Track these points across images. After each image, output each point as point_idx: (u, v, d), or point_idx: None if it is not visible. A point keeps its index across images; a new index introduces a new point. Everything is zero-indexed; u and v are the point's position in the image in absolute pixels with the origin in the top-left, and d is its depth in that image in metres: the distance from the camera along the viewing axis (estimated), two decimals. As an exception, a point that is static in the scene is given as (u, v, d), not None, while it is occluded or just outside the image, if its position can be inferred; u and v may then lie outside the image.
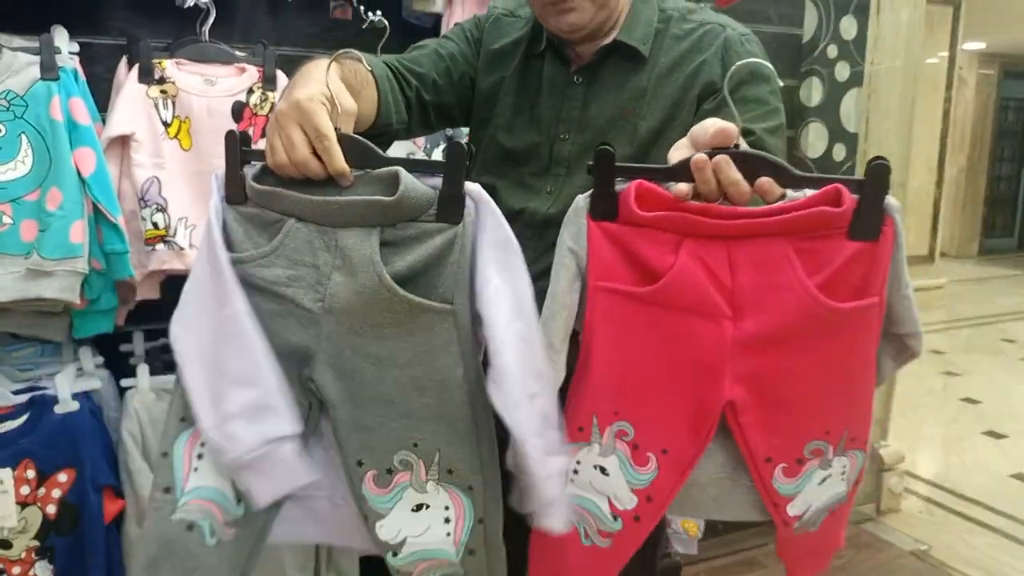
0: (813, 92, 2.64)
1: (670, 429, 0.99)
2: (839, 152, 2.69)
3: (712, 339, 0.94)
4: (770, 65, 1.10)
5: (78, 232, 1.50)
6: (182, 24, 1.69)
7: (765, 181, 0.87)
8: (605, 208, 0.96)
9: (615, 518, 1.05)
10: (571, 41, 1.29)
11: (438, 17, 1.93)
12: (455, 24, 1.47)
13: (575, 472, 1.05)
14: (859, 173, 2.62)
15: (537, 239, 1.26)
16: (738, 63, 1.04)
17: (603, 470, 1.03)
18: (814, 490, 1.00)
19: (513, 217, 1.13)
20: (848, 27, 2.61)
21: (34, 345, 1.72)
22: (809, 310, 0.89)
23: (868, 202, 0.86)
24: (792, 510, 1.01)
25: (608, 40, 1.27)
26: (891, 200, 0.88)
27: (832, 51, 2.61)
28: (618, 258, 0.96)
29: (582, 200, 0.98)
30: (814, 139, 2.66)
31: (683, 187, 0.90)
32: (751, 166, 0.88)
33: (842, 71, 2.63)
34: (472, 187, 0.92)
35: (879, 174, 0.86)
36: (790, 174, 0.89)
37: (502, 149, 1.35)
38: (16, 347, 1.70)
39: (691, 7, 1.32)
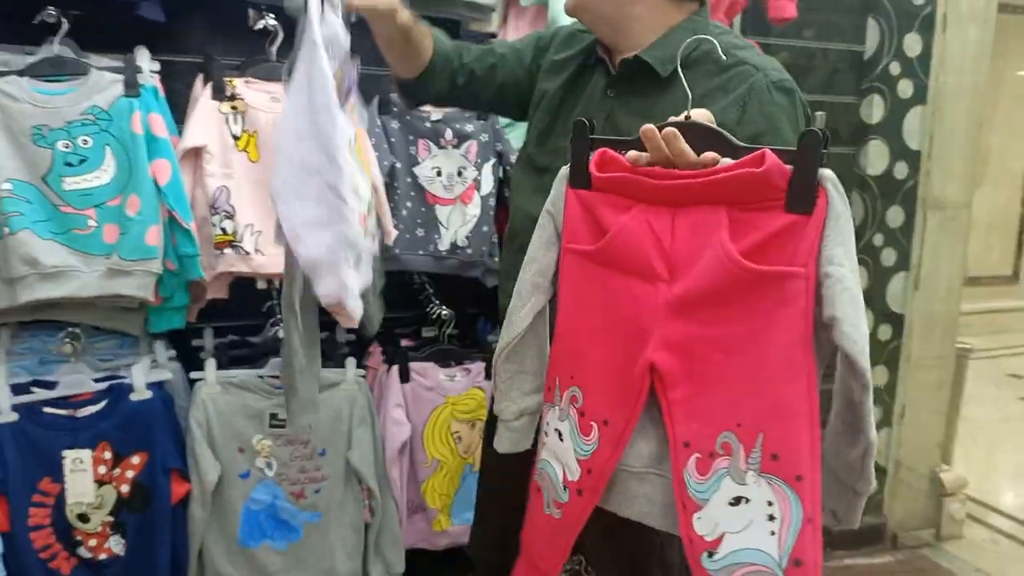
0: (874, 109, 2.61)
1: (610, 397, 1.01)
2: (901, 170, 2.65)
3: (646, 301, 0.96)
4: (795, 114, 1.18)
5: (154, 236, 1.65)
6: (253, 44, 1.82)
7: (708, 155, 0.93)
8: (581, 177, 1.03)
9: (564, 488, 1.06)
10: (609, 54, 1.35)
11: (493, 36, 2.03)
12: (532, 32, 1.58)
13: (545, 435, 1.09)
14: (922, 193, 2.61)
15: None
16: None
17: (560, 435, 1.06)
18: (725, 510, 0.92)
19: (529, 222, 1.18)
20: (912, 44, 2.57)
21: (114, 338, 1.88)
22: (727, 270, 0.90)
23: (801, 173, 0.85)
24: (699, 525, 0.94)
25: (630, 55, 1.29)
26: (825, 172, 0.87)
27: (895, 68, 2.58)
28: (584, 221, 1.03)
29: (565, 169, 1.06)
30: (874, 157, 2.64)
31: (634, 153, 0.98)
32: (696, 136, 0.93)
33: (905, 88, 2.60)
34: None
35: (811, 143, 0.85)
36: (731, 144, 0.93)
37: (533, 151, 1.44)
38: (98, 339, 1.86)
39: (738, 43, 1.30)
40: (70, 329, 1.78)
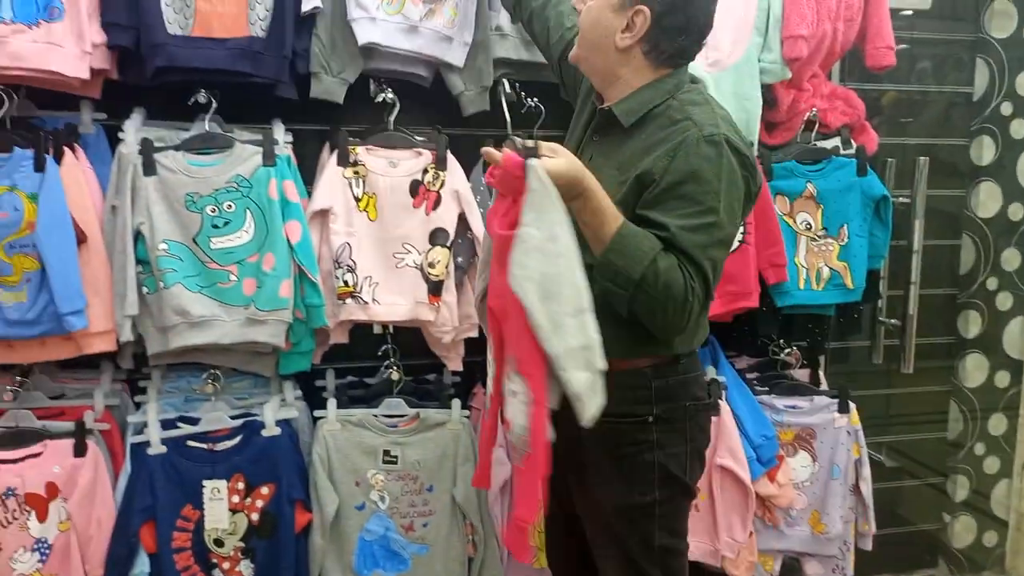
0: (985, 151, 2.56)
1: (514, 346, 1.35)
2: (1016, 212, 2.58)
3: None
4: (719, 163, 1.33)
5: (286, 289, 1.84)
6: (373, 112, 2.01)
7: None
8: None
9: (524, 443, 1.33)
10: (599, 98, 1.54)
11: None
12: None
13: (513, 395, 1.35)
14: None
15: None
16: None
17: (513, 393, 1.35)
18: (514, 404, 1.34)
19: None
20: (1025, 83, 2.52)
21: (249, 378, 2.09)
22: (493, 235, 1.36)
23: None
24: (506, 411, 1.38)
25: (605, 105, 1.49)
26: (530, 162, 1.24)
27: (1006, 108, 2.53)
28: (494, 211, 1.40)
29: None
30: (985, 198, 2.57)
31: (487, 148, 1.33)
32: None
33: (1018, 128, 2.53)
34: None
35: (521, 148, 1.27)
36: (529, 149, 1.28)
37: None
38: (235, 379, 2.07)
39: (696, 100, 1.44)
40: (212, 371, 2.00)
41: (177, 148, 1.82)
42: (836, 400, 2.25)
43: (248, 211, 1.84)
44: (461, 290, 2.02)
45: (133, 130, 1.83)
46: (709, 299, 1.41)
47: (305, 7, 1.81)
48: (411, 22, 1.89)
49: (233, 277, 1.85)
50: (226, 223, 1.83)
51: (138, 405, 2.01)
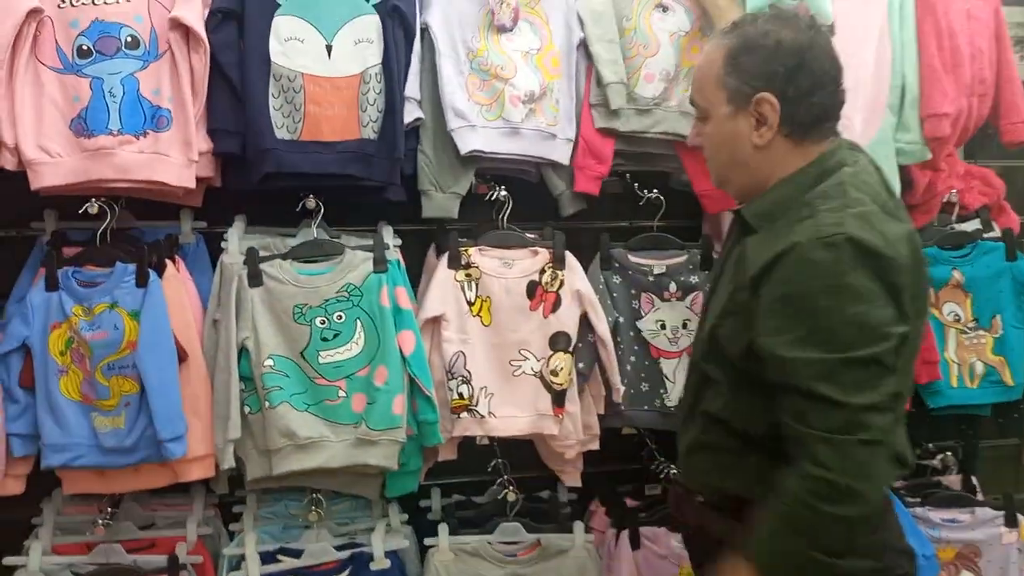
0: None
1: None
2: None
3: None
4: (834, 270, 1.11)
5: (399, 405, 1.69)
6: (479, 209, 1.89)
7: None
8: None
9: None
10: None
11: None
12: None
13: None
14: None
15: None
16: None
17: None
18: None
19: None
20: None
21: (350, 499, 1.92)
22: None
23: None
24: None
25: (741, 207, 1.34)
26: None
27: None
28: None
29: None
30: None
31: None
32: None
33: None
34: None
35: None
36: None
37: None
38: (336, 501, 1.90)
39: (834, 193, 1.20)
40: (313, 495, 1.83)
41: (284, 257, 1.71)
42: (1001, 512, 1.99)
43: (358, 321, 1.71)
44: (582, 397, 1.85)
45: (236, 239, 1.73)
46: (859, 434, 1.10)
47: (407, 118, 1.72)
48: (512, 124, 1.79)
49: (342, 393, 1.70)
50: (336, 335, 1.69)
51: (232, 534, 1.85)
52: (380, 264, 1.72)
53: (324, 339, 1.69)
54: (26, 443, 1.63)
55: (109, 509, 1.75)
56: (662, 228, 1.97)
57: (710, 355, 1.31)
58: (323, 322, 1.69)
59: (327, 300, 1.69)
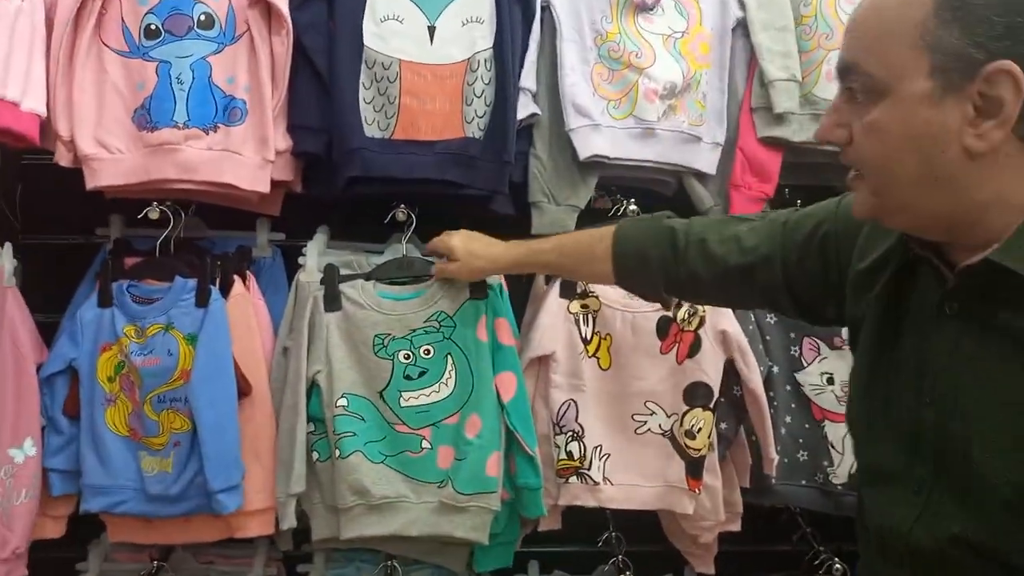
0: None
1: None
2: None
3: None
4: None
5: (494, 465, 1.38)
6: (595, 224, 1.57)
7: None
8: None
9: None
10: (936, 247, 0.83)
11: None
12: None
13: None
14: None
15: (909, 571, 0.83)
16: None
17: None
18: None
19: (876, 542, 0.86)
20: None
21: (430, 568, 1.61)
22: None
23: None
24: None
25: (977, 257, 0.78)
26: None
27: None
28: None
29: None
30: None
31: None
32: None
33: None
34: None
35: None
36: None
37: (862, 412, 0.93)
38: (415, 568, 1.60)
39: None
40: (389, 562, 1.54)
41: (368, 277, 1.44)
42: None
43: (449, 358, 1.41)
44: (724, 467, 1.48)
45: (315, 254, 1.47)
46: None
47: (521, 113, 1.42)
48: (646, 124, 1.45)
49: (426, 444, 1.41)
50: (421, 373, 1.40)
51: (296, 597, 1.58)
52: (479, 290, 1.42)
53: (408, 377, 1.40)
54: (66, 480, 1.41)
55: (155, 563, 1.51)
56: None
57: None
58: (407, 357, 1.40)
59: (414, 331, 1.40)
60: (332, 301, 1.41)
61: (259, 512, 1.42)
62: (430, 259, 1.46)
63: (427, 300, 1.42)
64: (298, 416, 1.38)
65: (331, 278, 1.43)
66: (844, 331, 1.51)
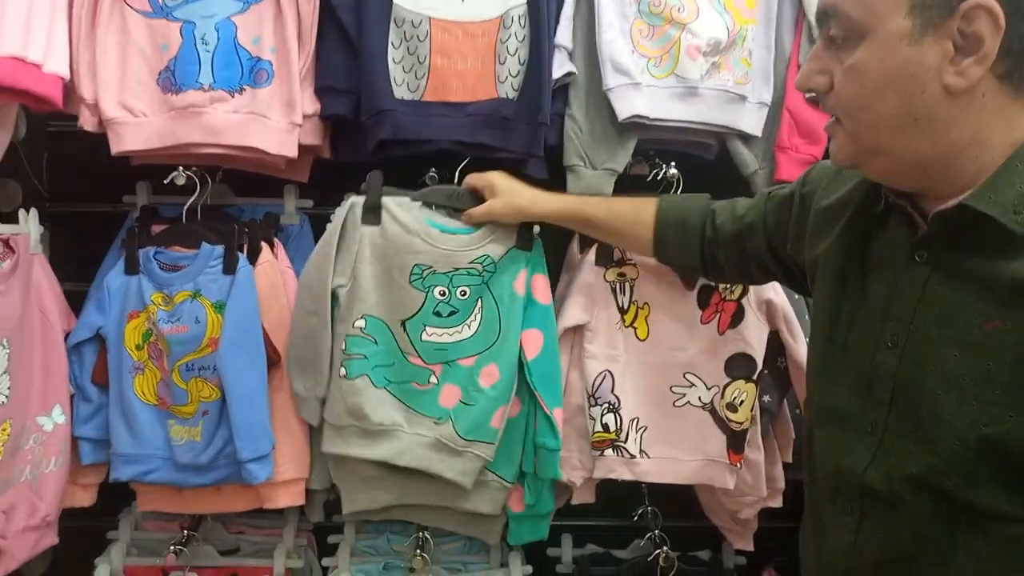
0: None
1: None
2: None
3: None
4: None
5: (499, 417, 1.34)
6: (632, 191, 1.51)
7: None
8: None
9: None
10: (910, 196, 0.84)
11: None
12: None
13: None
14: None
15: (858, 515, 0.85)
16: None
17: None
18: None
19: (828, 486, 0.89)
20: None
21: (463, 540, 1.59)
22: None
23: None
24: None
25: (951, 203, 0.79)
26: None
27: None
28: None
29: None
30: None
31: None
32: None
33: None
34: None
35: None
36: None
37: (819, 355, 0.94)
38: (445, 540, 1.58)
39: None
40: (420, 534, 1.51)
41: (418, 199, 1.37)
42: None
43: (480, 301, 1.36)
44: (767, 441, 1.43)
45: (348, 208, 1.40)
46: None
47: (557, 72, 1.36)
48: (688, 83, 1.39)
49: (434, 379, 1.36)
50: (451, 313, 1.35)
51: (325, 570, 1.56)
52: (525, 241, 1.36)
53: (437, 314, 1.35)
54: (97, 449, 1.40)
55: (186, 532, 1.49)
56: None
57: (983, 472, 0.76)
58: (443, 294, 1.35)
59: (456, 269, 1.34)
60: (371, 213, 1.34)
61: (289, 482, 1.40)
62: (478, 195, 1.39)
63: (476, 240, 1.35)
64: (324, 327, 1.33)
65: (375, 186, 1.36)
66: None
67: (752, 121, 1.45)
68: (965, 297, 0.78)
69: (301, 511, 1.56)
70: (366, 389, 1.35)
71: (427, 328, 1.36)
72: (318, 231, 1.52)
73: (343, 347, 1.35)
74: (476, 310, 1.37)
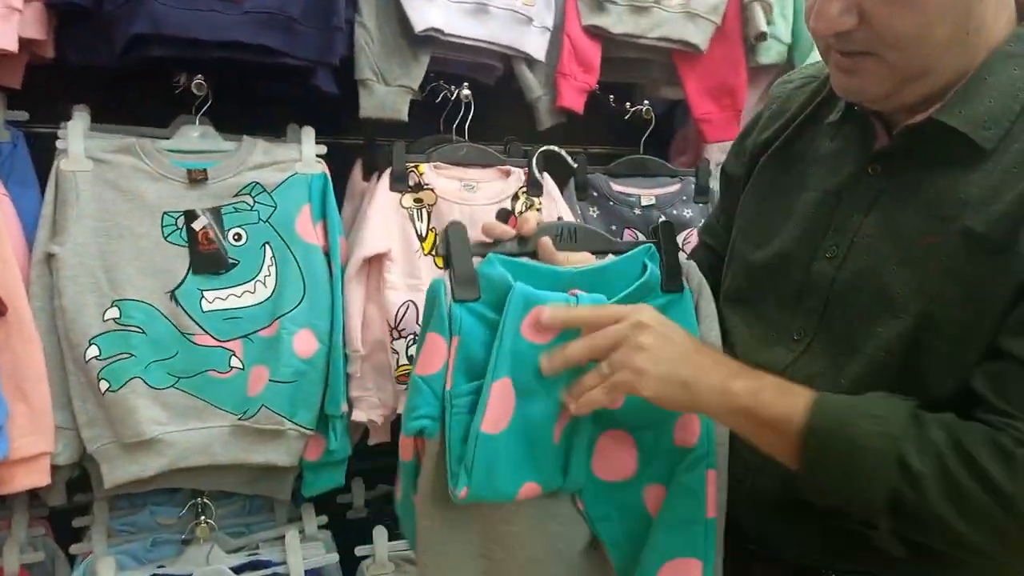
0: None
1: None
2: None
3: None
4: None
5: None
6: (426, 122, 1.45)
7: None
8: None
9: None
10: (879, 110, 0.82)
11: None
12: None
13: None
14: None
15: None
16: None
17: None
18: None
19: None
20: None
21: (240, 500, 1.43)
22: None
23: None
24: None
25: (919, 117, 0.78)
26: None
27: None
28: None
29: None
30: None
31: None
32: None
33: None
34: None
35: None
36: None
37: (742, 264, 0.93)
38: (224, 502, 1.41)
39: None
40: (199, 499, 1.33)
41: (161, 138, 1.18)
42: None
43: (268, 247, 1.20)
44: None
45: (79, 137, 1.17)
46: None
47: None
48: (480, 0, 1.35)
49: (236, 363, 1.20)
50: (231, 266, 1.18)
51: (73, 559, 1.31)
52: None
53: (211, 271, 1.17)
54: None
55: None
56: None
57: (897, 373, 0.75)
58: (210, 240, 1.17)
59: (220, 207, 1.16)
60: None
61: (30, 460, 1.13)
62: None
63: (234, 165, 1.17)
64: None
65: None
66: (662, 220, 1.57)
67: (536, 44, 1.45)
68: (912, 213, 0.76)
69: (31, 494, 1.28)
70: (137, 400, 1.15)
71: (205, 293, 1.17)
72: (36, 152, 1.24)
73: (97, 354, 1.12)
74: (266, 259, 1.20)
